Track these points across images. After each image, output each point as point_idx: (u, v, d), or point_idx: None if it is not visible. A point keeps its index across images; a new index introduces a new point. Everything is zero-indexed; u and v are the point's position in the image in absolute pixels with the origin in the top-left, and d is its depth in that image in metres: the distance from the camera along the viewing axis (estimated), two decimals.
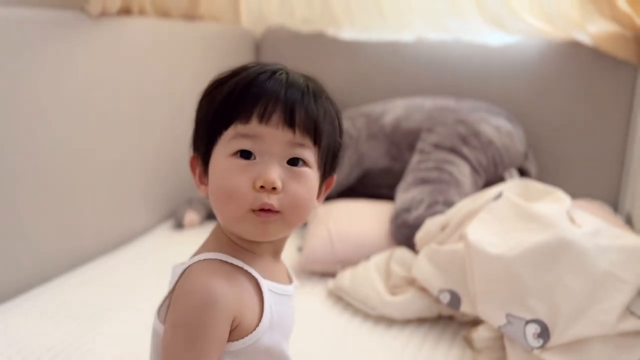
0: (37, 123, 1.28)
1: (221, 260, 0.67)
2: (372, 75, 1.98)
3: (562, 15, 1.70)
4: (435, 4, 1.85)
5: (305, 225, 1.55)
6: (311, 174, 0.68)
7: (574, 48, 1.75)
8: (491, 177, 1.62)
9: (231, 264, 0.67)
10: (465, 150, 1.58)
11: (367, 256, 1.39)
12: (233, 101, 0.66)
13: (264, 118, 0.64)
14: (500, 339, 1.09)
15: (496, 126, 1.64)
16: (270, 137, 0.65)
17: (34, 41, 1.26)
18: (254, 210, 0.64)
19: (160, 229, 1.69)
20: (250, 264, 0.68)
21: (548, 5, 1.71)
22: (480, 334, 1.10)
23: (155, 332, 0.69)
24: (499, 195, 1.24)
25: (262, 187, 0.63)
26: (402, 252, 1.34)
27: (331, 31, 2.02)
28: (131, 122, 1.57)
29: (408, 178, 1.57)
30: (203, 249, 0.70)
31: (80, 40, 1.38)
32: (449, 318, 1.22)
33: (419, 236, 1.34)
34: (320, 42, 2.02)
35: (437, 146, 1.59)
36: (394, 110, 1.75)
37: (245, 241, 0.69)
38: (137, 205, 1.65)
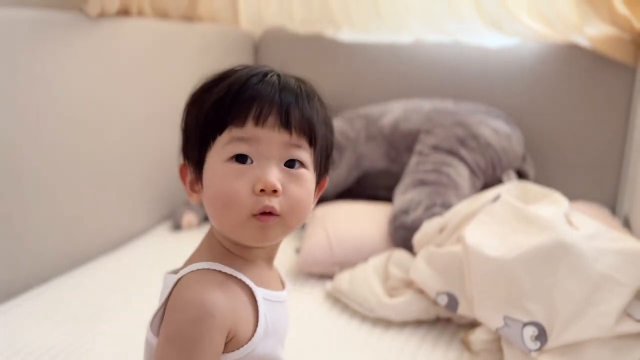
0: (35, 123, 1.28)
1: (215, 270, 0.65)
2: (370, 76, 1.98)
3: (561, 18, 1.70)
4: (434, 6, 1.85)
5: (303, 226, 1.55)
6: (308, 176, 0.67)
7: (572, 50, 1.75)
8: (489, 180, 1.62)
9: (225, 273, 0.66)
10: (463, 152, 1.58)
11: (365, 258, 1.39)
12: (226, 105, 0.65)
13: (259, 120, 0.64)
14: (497, 342, 1.09)
15: (494, 128, 1.64)
16: (267, 139, 0.64)
17: (33, 42, 1.26)
18: (254, 215, 0.63)
19: (159, 230, 1.69)
20: (243, 272, 0.67)
21: (546, 7, 1.71)
22: (477, 337, 1.10)
23: (149, 344, 0.68)
24: (497, 198, 1.24)
25: (261, 190, 0.63)
26: (400, 254, 1.34)
27: (330, 33, 2.02)
28: (130, 123, 1.57)
29: (406, 180, 1.57)
30: (196, 257, 0.69)
31: (78, 41, 1.38)
32: (446, 320, 1.22)
33: (417, 238, 1.34)
34: (318, 43, 2.02)
35: (436, 148, 1.59)
36: (393, 112, 1.76)
37: (239, 248, 0.68)
38: (136, 206, 1.64)
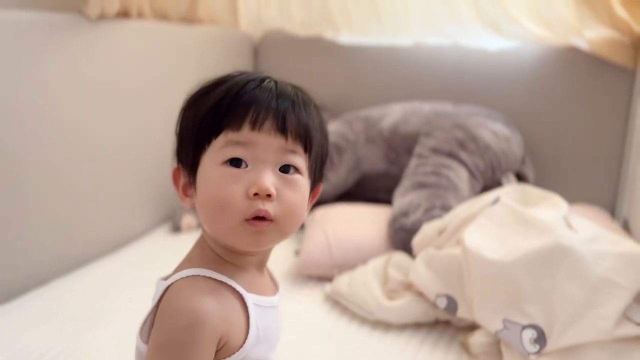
0: (35, 126, 1.28)
1: (205, 276, 0.65)
2: (370, 79, 1.99)
3: (560, 21, 1.70)
4: (434, 8, 1.85)
5: (302, 228, 1.55)
6: (303, 182, 0.67)
7: (571, 53, 1.75)
8: (489, 182, 1.62)
9: (215, 280, 0.65)
10: (463, 154, 1.58)
11: (364, 260, 1.39)
12: (223, 109, 0.65)
13: (256, 125, 0.64)
14: (497, 344, 1.09)
15: (494, 131, 1.64)
16: (263, 143, 0.64)
17: (33, 44, 1.26)
18: (247, 220, 0.63)
19: (158, 232, 1.69)
20: (235, 278, 0.66)
21: (546, 10, 1.71)
22: (477, 339, 1.10)
23: (138, 351, 0.67)
24: (496, 200, 1.24)
25: (255, 194, 0.62)
26: (400, 257, 1.34)
27: (329, 35, 2.02)
28: (129, 125, 1.57)
29: (406, 182, 1.57)
30: (186, 263, 0.68)
31: (78, 43, 1.38)
32: (446, 323, 1.22)
33: (417, 240, 1.34)
34: (318, 45, 2.03)
35: (435, 150, 1.60)
36: (392, 114, 1.76)
37: (230, 255, 0.68)
38: (135, 208, 1.64)
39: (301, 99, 0.68)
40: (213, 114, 0.65)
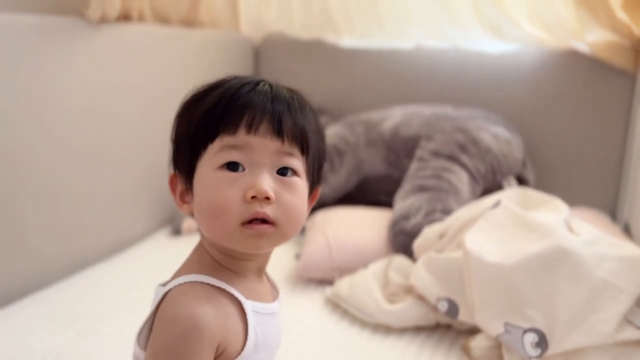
0: (36, 128, 1.28)
1: (203, 283, 0.64)
2: (370, 82, 1.99)
3: (561, 24, 1.70)
4: (434, 12, 1.85)
5: (303, 232, 1.55)
6: (301, 184, 0.67)
7: (571, 56, 1.76)
8: (489, 185, 1.62)
9: (214, 286, 0.64)
10: (463, 158, 1.58)
11: (365, 264, 1.39)
12: (219, 113, 0.64)
13: (252, 128, 0.64)
14: (498, 348, 1.09)
15: (494, 134, 1.64)
16: (259, 146, 0.64)
17: (34, 47, 1.26)
18: (244, 224, 0.62)
19: (159, 235, 1.69)
20: (233, 284, 0.66)
21: (546, 13, 1.72)
22: (478, 343, 1.10)
23: (136, 358, 0.67)
24: (497, 204, 1.24)
25: (253, 197, 0.62)
26: (400, 260, 1.34)
27: (330, 38, 2.03)
28: (130, 128, 1.57)
29: (406, 185, 1.57)
30: (185, 269, 0.68)
31: (79, 46, 1.38)
32: (446, 326, 1.22)
33: (417, 244, 1.34)
34: (319, 48, 2.03)
35: (436, 154, 1.59)
36: (393, 117, 1.76)
37: (229, 261, 0.67)
38: (136, 211, 1.64)
39: (296, 101, 0.68)
40: (208, 118, 0.65)
